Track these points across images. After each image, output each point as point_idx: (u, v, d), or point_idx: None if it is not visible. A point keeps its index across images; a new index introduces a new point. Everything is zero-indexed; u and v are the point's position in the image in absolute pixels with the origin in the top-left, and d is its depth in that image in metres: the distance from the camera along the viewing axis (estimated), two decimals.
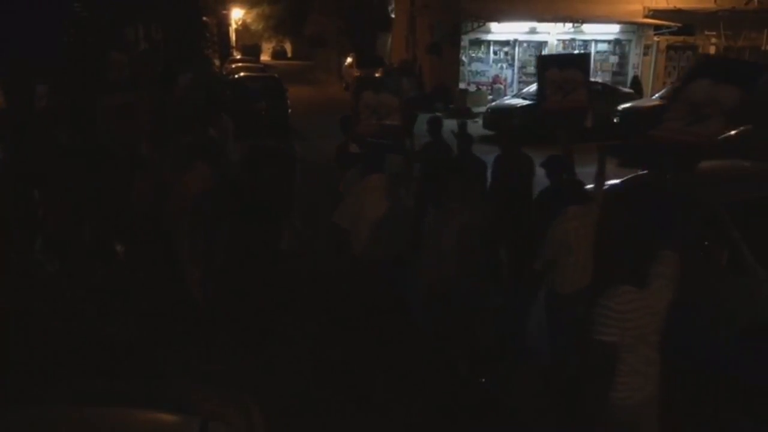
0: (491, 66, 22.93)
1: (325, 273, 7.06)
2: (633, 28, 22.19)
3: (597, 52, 22.14)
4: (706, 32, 21.13)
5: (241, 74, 22.17)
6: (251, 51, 42.96)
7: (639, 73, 22.19)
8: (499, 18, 21.33)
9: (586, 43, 22.34)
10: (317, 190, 8.24)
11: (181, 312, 6.14)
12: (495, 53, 22.87)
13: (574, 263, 4.83)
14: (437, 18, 24.29)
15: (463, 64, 22.64)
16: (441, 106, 22.01)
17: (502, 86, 22.61)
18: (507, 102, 18.26)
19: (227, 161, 7.54)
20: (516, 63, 22.69)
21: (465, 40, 22.46)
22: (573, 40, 22.30)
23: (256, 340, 5.95)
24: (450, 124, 7.45)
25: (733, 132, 9.88)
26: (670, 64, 22.42)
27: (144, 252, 6.72)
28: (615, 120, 15.47)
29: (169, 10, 13.78)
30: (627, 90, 19.72)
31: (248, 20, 43.40)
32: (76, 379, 4.33)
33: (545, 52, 21.02)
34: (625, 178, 7.16)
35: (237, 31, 44.22)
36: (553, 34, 22.07)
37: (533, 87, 15.65)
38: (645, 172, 6.44)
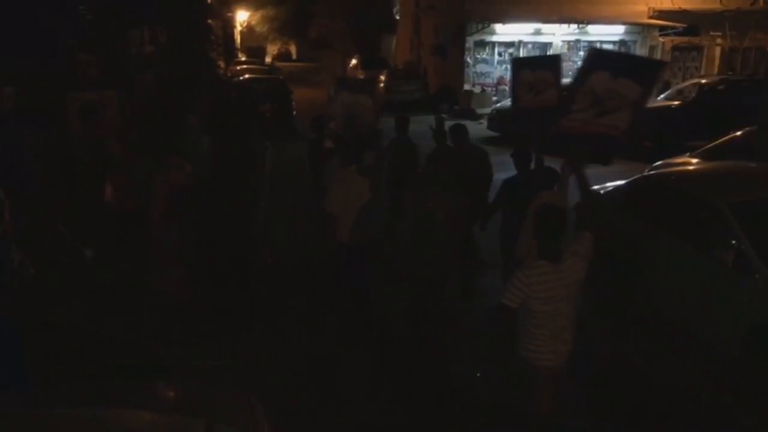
0: (496, 67, 22.94)
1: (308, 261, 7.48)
2: (638, 29, 22.14)
3: None
4: (712, 33, 21.06)
5: (246, 76, 22.23)
6: (256, 53, 43.04)
7: None
8: (504, 19, 21.32)
9: (591, 44, 22.30)
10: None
11: (166, 309, 6.32)
12: (500, 54, 22.87)
13: None
14: (442, 19, 24.30)
15: (468, 66, 22.65)
16: (446, 108, 22.02)
17: (506, 87, 22.58)
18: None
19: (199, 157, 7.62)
20: None
21: (470, 42, 22.47)
22: (578, 41, 22.28)
23: (246, 332, 6.13)
24: (445, 126, 7.67)
25: (739, 133, 9.94)
26: (676, 65, 22.36)
27: (118, 251, 6.86)
28: None
29: (174, 13, 13.80)
30: None
31: (253, 22, 43.43)
32: (79, 379, 4.35)
33: (550, 53, 20.98)
34: (629, 180, 7.17)
35: (242, 33, 44.31)
36: (558, 36, 22.05)
37: None
38: (648, 173, 6.42)
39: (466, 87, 22.40)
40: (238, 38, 42.97)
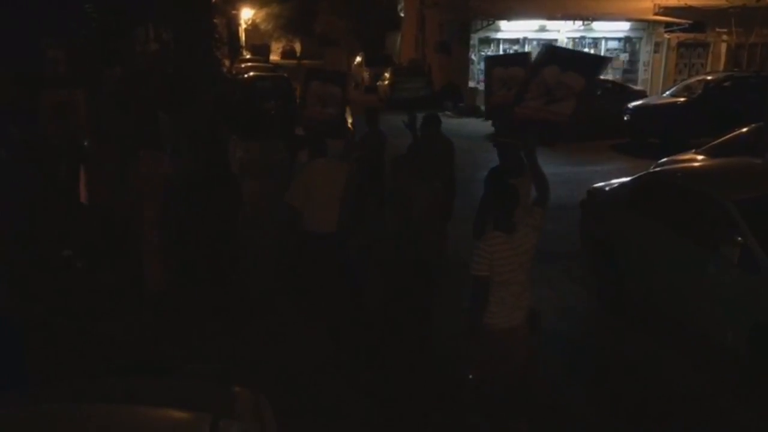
0: None
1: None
2: (643, 25, 22.05)
3: (607, 49, 22.00)
4: (717, 29, 20.94)
5: (251, 74, 22.23)
6: (261, 50, 43.01)
7: (650, 71, 22.09)
8: (508, 16, 21.25)
9: (596, 41, 22.24)
10: None
11: (154, 306, 6.41)
12: (504, 51, 22.80)
13: None
14: (447, 16, 24.24)
15: (473, 63, 22.58)
16: (450, 105, 22.00)
17: None
18: None
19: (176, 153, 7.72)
20: None
21: (474, 39, 22.40)
22: (583, 37, 22.18)
23: (235, 325, 6.22)
24: (450, 123, 7.76)
25: (744, 129, 9.91)
26: (681, 62, 22.27)
27: (101, 249, 6.92)
28: (625, 118, 15.35)
29: (179, 11, 13.82)
30: (637, 88, 19.61)
31: (258, 20, 43.39)
32: (85, 376, 4.36)
33: None
34: (634, 176, 7.16)
35: (246, 30, 44.27)
36: (563, 32, 21.96)
37: None
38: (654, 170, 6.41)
39: (471, 84, 22.34)
40: (242, 36, 42.96)
